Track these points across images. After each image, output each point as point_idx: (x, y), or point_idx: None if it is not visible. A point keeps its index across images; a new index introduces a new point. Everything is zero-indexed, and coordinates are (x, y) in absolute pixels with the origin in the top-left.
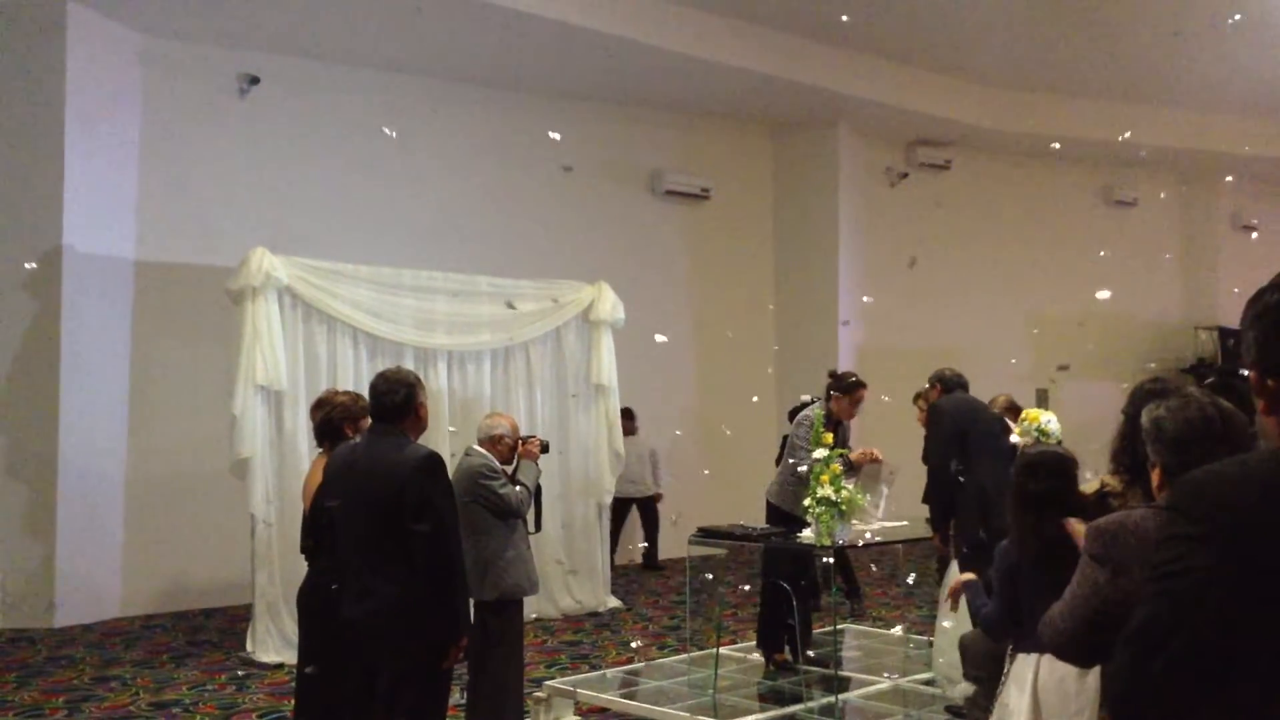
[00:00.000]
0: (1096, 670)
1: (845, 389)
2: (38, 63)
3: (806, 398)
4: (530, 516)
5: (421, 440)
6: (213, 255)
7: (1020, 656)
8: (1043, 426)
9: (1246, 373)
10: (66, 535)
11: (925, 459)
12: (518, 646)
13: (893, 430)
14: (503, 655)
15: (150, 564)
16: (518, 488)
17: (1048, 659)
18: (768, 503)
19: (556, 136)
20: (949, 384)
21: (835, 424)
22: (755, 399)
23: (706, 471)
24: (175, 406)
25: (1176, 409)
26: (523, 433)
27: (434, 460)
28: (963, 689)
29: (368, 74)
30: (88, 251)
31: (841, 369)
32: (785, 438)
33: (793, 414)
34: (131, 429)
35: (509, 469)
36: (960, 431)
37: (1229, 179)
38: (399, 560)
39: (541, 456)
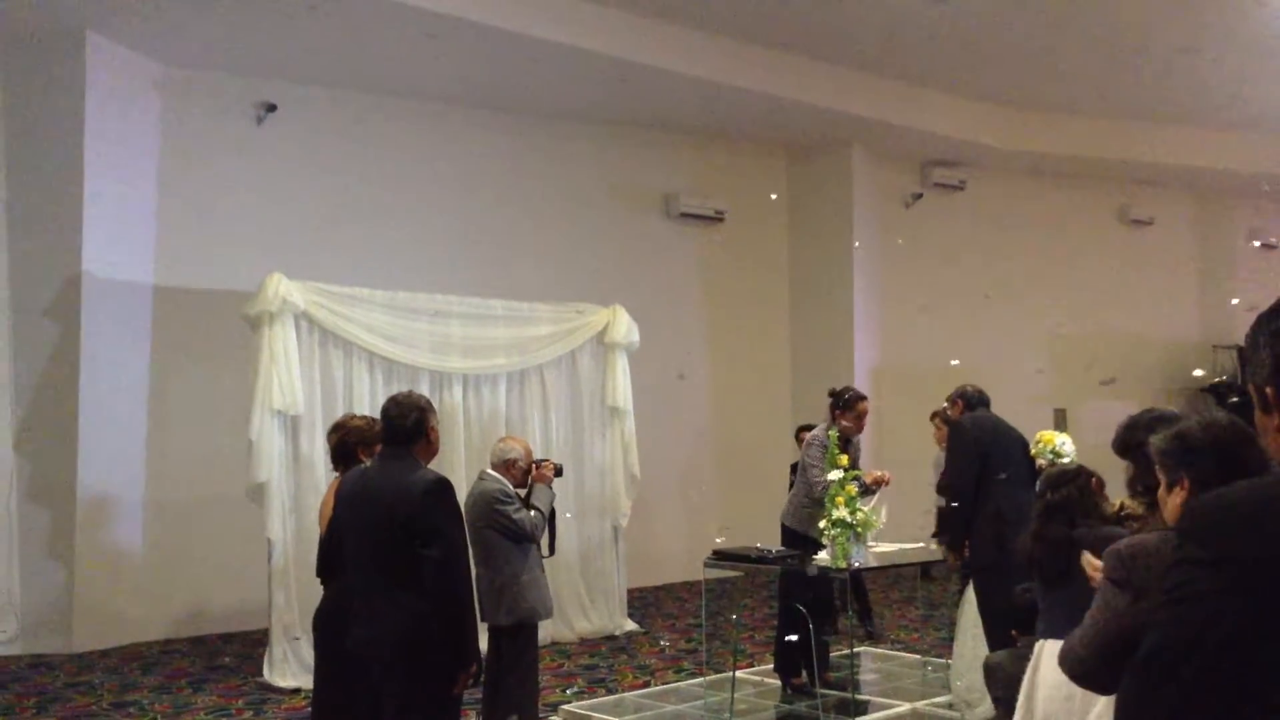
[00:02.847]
0: None
1: (846, 405)
2: (57, 91)
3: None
4: (544, 540)
5: (436, 464)
6: (230, 280)
7: (1037, 642)
8: (1057, 449)
9: (1254, 393)
10: (85, 560)
11: (939, 488)
12: (533, 670)
13: (909, 451)
14: (518, 679)
15: (169, 588)
16: (532, 512)
17: (1050, 644)
18: (783, 525)
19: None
20: (971, 401)
21: (845, 441)
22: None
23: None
24: (193, 431)
25: (1201, 422)
26: (537, 456)
27: (443, 485)
28: (981, 711)
29: (383, 100)
30: (107, 277)
31: (858, 388)
32: (794, 464)
33: (799, 434)
34: (150, 453)
35: (522, 492)
36: (982, 450)
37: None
38: (407, 585)
39: (555, 480)
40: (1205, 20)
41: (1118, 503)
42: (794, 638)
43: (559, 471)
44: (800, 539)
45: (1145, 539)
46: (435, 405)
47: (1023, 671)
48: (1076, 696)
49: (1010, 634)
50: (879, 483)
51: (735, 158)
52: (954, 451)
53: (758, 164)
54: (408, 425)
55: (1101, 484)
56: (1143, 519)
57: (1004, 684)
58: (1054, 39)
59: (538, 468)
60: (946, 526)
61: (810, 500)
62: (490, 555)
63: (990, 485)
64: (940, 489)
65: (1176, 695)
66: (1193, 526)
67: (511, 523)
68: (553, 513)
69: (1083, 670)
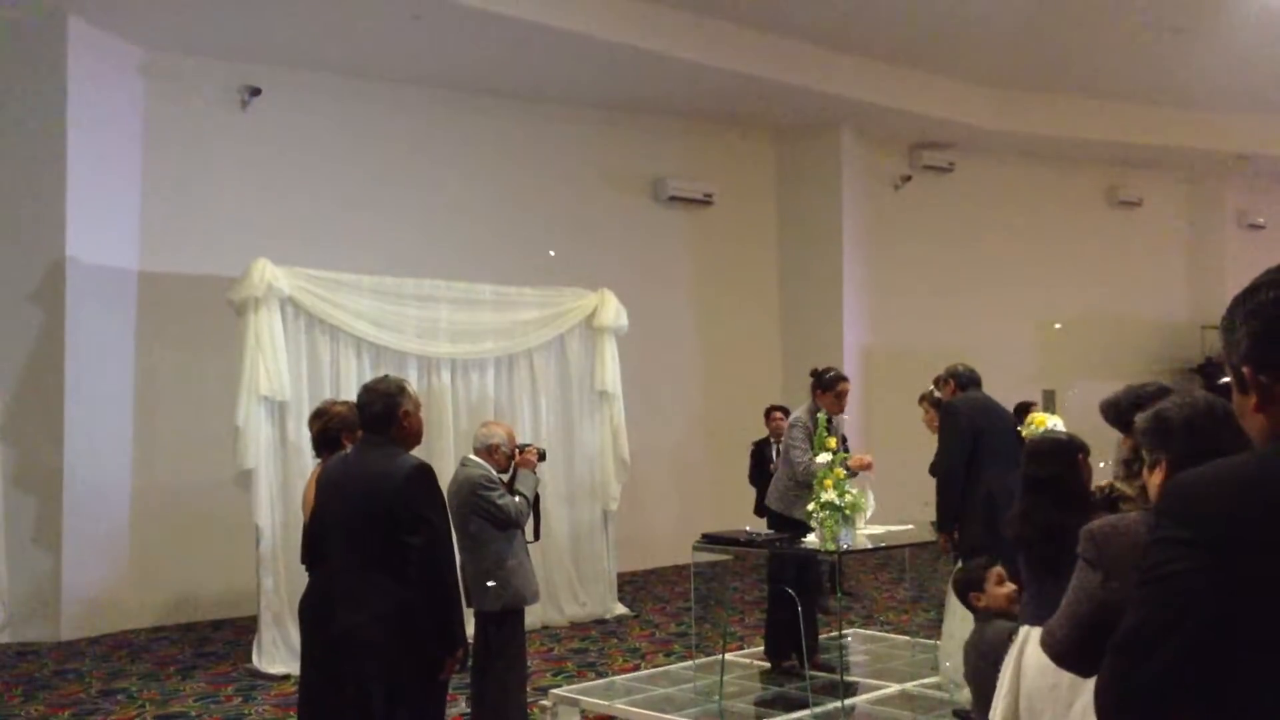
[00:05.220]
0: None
1: (827, 385)
2: (39, 76)
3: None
4: (529, 526)
5: (424, 450)
6: (215, 266)
7: (1021, 627)
8: (1049, 431)
9: (1231, 373)
10: (72, 547)
11: (933, 469)
12: (520, 656)
13: (898, 433)
14: (505, 665)
15: (157, 576)
16: (516, 498)
17: (1036, 630)
18: (768, 508)
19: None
20: (963, 380)
21: (826, 422)
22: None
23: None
24: (180, 417)
25: (1178, 402)
26: (523, 440)
27: (424, 471)
28: (969, 692)
29: (368, 84)
30: (91, 263)
31: (846, 372)
32: (756, 442)
33: (769, 413)
34: (136, 440)
35: (505, 477)
36: (974, 432)
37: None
38: (391, 572)
39: (540, 465)
40: (1195, 1)
41: (1106, 483)
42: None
43: (542, 456)
44: (785, 522)
45: (1118, 518)
46: (423, 391)
47: (1000, 654)
48: (1063, 685)
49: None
50: (861, 467)
51: (724, 141)
52: (945, 433)
53: (746, 147)
54: (376, 412)
55: (1087, 453)
56: (1133, 501)
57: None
58: (1043, 20)
59: (521, 453)
60: (937, 508)
61: (794, 483)
62: (475, 542)
63: (981, 468)
64: (934, 470)
65: (1155, 676)
66: (1170, 505)
67: (495, 508)
68: (537, 498)
69: (1060, 651)
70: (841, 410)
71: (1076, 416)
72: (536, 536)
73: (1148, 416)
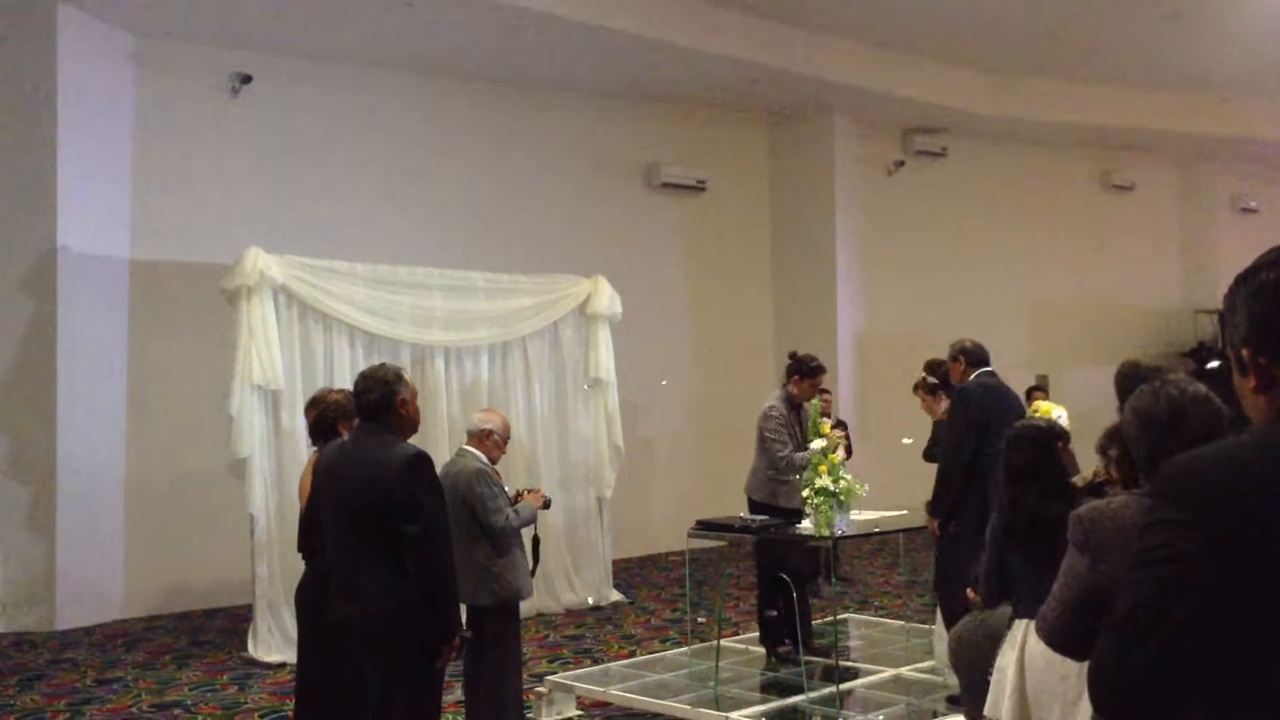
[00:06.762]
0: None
1: (809, 373)
2: (29, 64)
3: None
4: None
5: (421, 436)
6: (208, 254)
7: (1016, 621)
8: (1028, 419)
9: (1234, 353)
10: (67, 537)
11: (928, 455)
12: (515, 649)
13: (892, 419)
14: (501, 653)
15: (151, 565)
16: (509, 512)
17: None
18: (748, 498)
19: None
20: (973, 357)
21: (795, 408)
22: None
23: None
24: (173, 406)
25: (1132, 402)
26: (521, 431)
27: (421, 459)
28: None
29: (360, 71)
30: (83, 252)
31: (840, 357)
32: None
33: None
34: (130, 429)
35: (499, 468)
36: (984, 423)
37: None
38: (387, 560)
39: (542, 511)
40: None
41: (1091, 471)
42: (774, 613)
43: (547, 504)
44: (766, 510)
45: (1105, 503)
46: (417, 378)
47: (986, 643)
48: (1071, 675)
49: (964, 599)
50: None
51: (717, 127)
52: (956, 420)
53: (739, 133)
54: (373, 400)
55: (1066, 440)
56: (1118, 484)
57: (973, 655)
58: (1036, 4)
59: (530, 492)
60: (935, 495)
61: (775, 471)
62: (469, 536)
63: (985, 459)
64: (928, 456)
65: (1151, 659)
66: (1167, 487)
67: (485, 512)
68: (537, 540)
69: (1053, 635)
70: (811, 398)
71: (1073, 402)
72: (532, 574)
73: (1129, 410)
